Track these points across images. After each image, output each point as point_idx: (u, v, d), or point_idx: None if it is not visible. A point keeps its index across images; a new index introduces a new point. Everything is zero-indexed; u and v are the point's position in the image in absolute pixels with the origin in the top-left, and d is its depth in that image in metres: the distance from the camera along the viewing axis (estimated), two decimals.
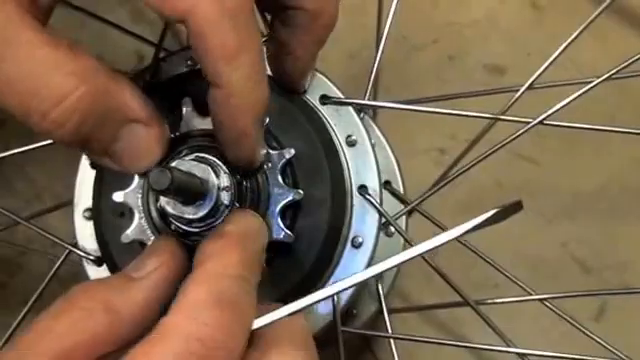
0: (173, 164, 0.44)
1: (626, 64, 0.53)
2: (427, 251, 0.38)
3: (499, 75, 0.83)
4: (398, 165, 0.58)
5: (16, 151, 0.56)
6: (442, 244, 0.38)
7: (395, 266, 0.39)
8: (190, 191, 0.42)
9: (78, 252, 0.54)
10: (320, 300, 0.40)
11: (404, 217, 0.59)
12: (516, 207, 0.39)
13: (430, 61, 0.85)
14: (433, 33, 0.85)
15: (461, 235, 0.38)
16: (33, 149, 0.56)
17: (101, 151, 0.42)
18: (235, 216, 0.44)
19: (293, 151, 0.47)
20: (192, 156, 0.45)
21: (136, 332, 0.40)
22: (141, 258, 0.43)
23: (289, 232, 0.47)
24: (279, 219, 0.47)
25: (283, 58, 0.48)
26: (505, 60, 0.84)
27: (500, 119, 0.54)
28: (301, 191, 0.47)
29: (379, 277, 0.57)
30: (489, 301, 0.59)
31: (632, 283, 0.75)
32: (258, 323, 0.40)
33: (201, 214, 0.43)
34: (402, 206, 0.56)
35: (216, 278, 0.39)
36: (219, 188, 0.44)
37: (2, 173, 0.80)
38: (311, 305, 0.40)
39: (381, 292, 0.55)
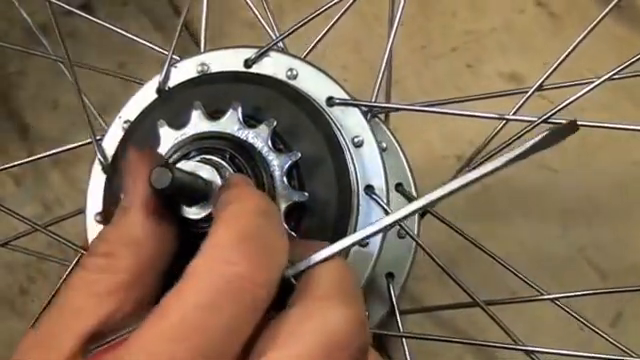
0: (178, 165, 0.44)
1: (628, 63, 0.53)
2: (478, 178, 0.36)
3: (516, 84, 0.83)
4: (409, 167, 0.58)
5: (39, 156, 0.58)
6: (493, 171, 0.36)
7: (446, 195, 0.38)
8: (193, 191, 0.43)
9: None
10: (369, 236, 0.39)
11: (416, 220, 0.59)
12: (570, 128, 0.36)
13: (448, 70, 0.85)
14: (452, 42, 0.86)
15: (512, 160, 0.35)
16: (56, 153, 0.58)
17: None
18: (235, 176, 0.45)
19: (299, 154, 0.47)
20: (198, 158, 0.45)
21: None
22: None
23: (293, 233, 0.47)
24: (284, 220, 0.47)
25: None
26: (522, 69, 0.84)
27: (508, 119, 0.55)
28: (306, 193, 0.47)
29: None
30: (498, 301, 0.59)
31: None
32: (300, 266, 0.39)
33: (204, 214, 0.43)
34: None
35: (238, 216, 0.38)
36: None
37: (24, 178, 0.82)
38: (360, 241, 0.39)
39: (392, 293, 0.55)
